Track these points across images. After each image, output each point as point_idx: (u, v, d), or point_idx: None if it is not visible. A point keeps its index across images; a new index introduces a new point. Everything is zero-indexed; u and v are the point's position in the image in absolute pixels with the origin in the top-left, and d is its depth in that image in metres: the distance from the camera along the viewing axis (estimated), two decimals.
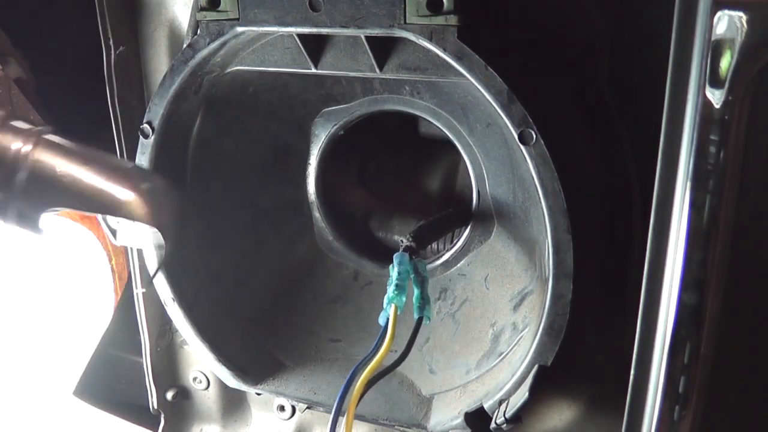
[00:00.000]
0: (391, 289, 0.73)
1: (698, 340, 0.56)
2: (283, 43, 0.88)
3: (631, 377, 0.60)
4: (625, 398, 0.61)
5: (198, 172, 0.99)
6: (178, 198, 0.61)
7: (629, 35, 0.80)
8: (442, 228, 1.02)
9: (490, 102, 0.75)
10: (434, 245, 1.07)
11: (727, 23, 0.50)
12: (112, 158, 0.59)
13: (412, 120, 1.06)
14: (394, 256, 0.84)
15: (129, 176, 0.61)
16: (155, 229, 0.61)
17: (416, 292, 0.80)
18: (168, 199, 0.61)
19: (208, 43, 0.84)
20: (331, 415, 0.67)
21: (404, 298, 0.74)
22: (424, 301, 0.79)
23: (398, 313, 0.73)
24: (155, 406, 1.19)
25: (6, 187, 0.56)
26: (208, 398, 1.20)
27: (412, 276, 0.80)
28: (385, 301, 0.74)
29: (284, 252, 1.12)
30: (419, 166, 1.14)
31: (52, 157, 0.57)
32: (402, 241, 0.89)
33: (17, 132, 0.57)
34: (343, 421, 0.68)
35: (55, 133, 0.58)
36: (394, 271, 0.78)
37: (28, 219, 0.58)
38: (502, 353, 0.91)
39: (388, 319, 0.73)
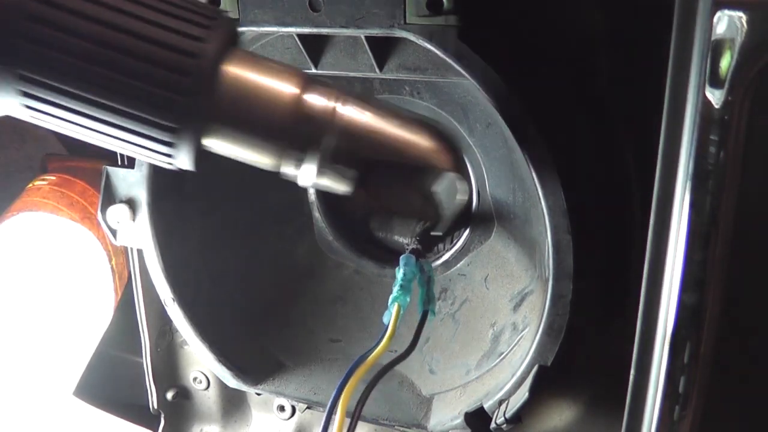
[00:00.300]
0: (395, 289, 0.74)
1: (698, 340, 0.56)
2: (283, 43, 0.88)
3: (631, 377, 0.60)
4: (625, 398, 0.61)
5: (198, 173, 0.99)
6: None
7: (629, 35, 0.80)
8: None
9: (490, 102, 0.75)
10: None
11: (727, 23, 0.50)
12: (408, 112, 0.64)
13: None
14: (401, 258, 0.84)
15: (429, 129, 0.64)
16: (460, 176, 0.65)
17: (421, 290, 0.80)
18: (459, 148, 0.66)
19: None
20: (326, 410, 0.67)
21: (408, 299, 0.75)
22: (429, 298, 0.79)
23: (401, 312, 0.73)
24: (155, 406, 1.19)
25: (317, 145, 0.58)
26: (208, 398, 1.20)
27: (417, 276, 0.80)
28: (390, 300, 0.74)
29: (284, 252, 1.12)
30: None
31: (358, 114, 0.60)
32: (407, 244, 0.88)
33: (322, 92, 0.60)
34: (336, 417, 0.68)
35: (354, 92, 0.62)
36: (399, 273, 0.78)
37: (338, 177, 0.61)
38: (502, 353, 0.91)
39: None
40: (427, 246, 0.90)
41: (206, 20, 0.56)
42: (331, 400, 0.67)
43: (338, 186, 0.62)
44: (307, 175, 0.61)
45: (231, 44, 0.58)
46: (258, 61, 0.59)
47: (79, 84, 0.54)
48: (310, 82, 0.60)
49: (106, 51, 0.53)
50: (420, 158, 0.63)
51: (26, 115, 0.57)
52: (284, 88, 0.59)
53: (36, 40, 0.53)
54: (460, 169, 0.65)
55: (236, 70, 0.58)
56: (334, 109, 0.59)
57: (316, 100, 0.59)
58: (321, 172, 0.60)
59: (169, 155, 0.58)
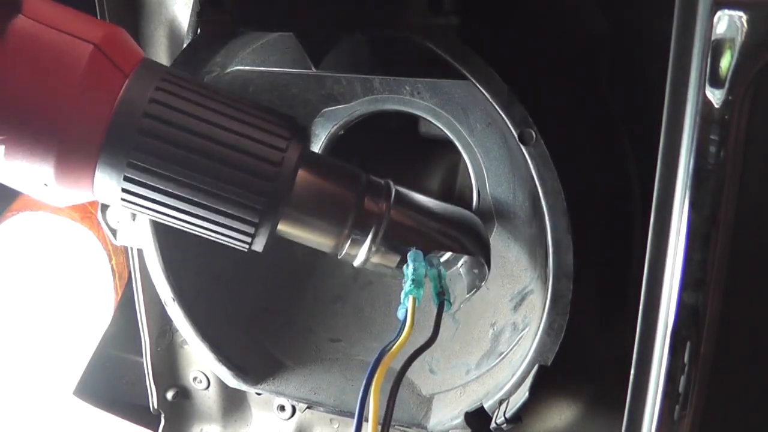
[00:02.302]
0: (407, 285, 0.75)
1: (698, 340, 0.56)
2: (284, 43, 0.88)
3: (631, 377, 0.60)
4: (625, 398, 0.61)
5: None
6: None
7: (629, 35, 0.80)
8: None
9: (490, 102, 0.75)
10: None
11: (727, 23, 0.50)
12: (446, 206, 0.79)
13: (413, 120, 1.06)
14: (408, 254, 0.84)
15: (461, 223, 0.79)
16: (482, 260, 0.79)
17: (433, 283, 0.80)
18: (485, 237, 0.80)
19: (209, 43, 0.84)
20: (359, 397, 0.68)
21: (422, 291, 0.76)
22: (443, 289, 0.79)
23: (416, 305, 0.74)
24: (155, 406, 1.19)
25: (371, 233, 0.72)
26: (208, 398, 1.20)
27: (427, 270, 0.81)
28: (402, 295, 0.75)
29: (284, 251, 1.12)
30: (419, 165, 1.14)
31: (404, 212, 0.74)
32: None
33: (378, 191, 0.73)
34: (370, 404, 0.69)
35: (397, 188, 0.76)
36: (408, 269, 0.79)
37: (386, 258, 0.75)
38: (502, 353, 0.91)
39: (406, 310, 0.74)
40: None
41: (287, 132, 0.67)
42: (361, 391, 0.68)
43: (386, 263, 0.75)
44: (361, 255, 0.73)
45: (305, 150, 0.69)
46: (326, 163, 0.72)
47: (178, 185, 0.64)
48: (369, 183, 0.73)
49: (206, 160, 0.64)
50: (451, 248, 0.78)
51: (119, 201, 0.66)
52: (348, 188, 0.72)
53: (147, 148, 0.62)
54: (486, 255, 0.78)
55: (309, 173, 0.70)
56: (386, 206, 0.72)
57: (373, 197, 0.72)
58: (373, 253, 0.73)
59: (247, 243, 0.69)
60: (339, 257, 0.74)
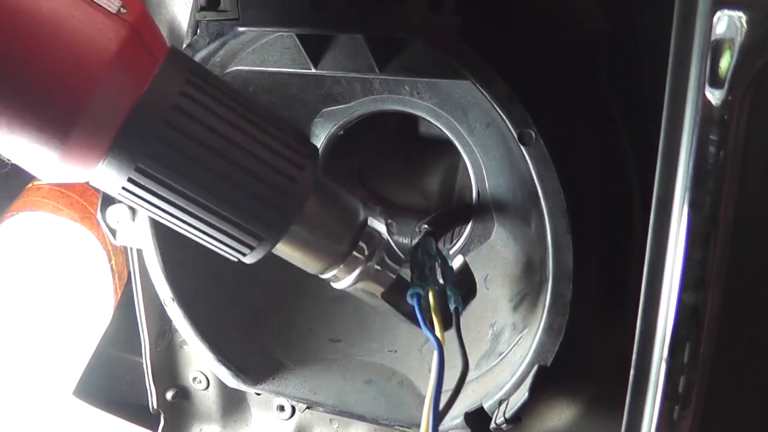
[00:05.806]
0: (436, 275, 0.75)
1: (698, 340, 0.56)
2: (283, 43, 0.88)
3: (631, 377, 0.60)
4: (625, 398, 0.61)
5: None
6: None
7: (629, 35, 0.80)
8: (449, 223, 1.02)
9: (490, 102, 0.75)
10: None
11: (727, 23, 0.50)
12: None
13: (412, 120, 1.06)
14: (419, 241, 0.81)
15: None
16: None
17: (441, 281, 0.78)
18: None
19: (208, 43, 0.84)
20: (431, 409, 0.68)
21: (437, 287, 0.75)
22: (453, 291, 0.77)
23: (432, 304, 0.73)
24: (155, 406, 1.19)
25: (367, 256, 0.71)
26: (207, 398, 1.20)
27: (439, 263, 0.79)
28: (408, 294, 0.74)
29: None
30: (419, 165, 1.14)
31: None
32: (419, 229, 0.87)
33: (381, 215, 0.73)
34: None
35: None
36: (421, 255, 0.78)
37: (374, 285, 0.73)
38: (501, 353, 0.91)
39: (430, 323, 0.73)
40: (438, 233, 0.88)
41: (306, 149, 0.65)
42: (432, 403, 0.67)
43: (373, 291, 0.73)
44: (350, 278, 0.71)
45: (318, 170, 0.68)
46: (333, 188, 0.71)
47: (193, 185, 0.61)
48: (371, 207, 0.72)
49: (227, 164, 0.61)
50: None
51: (119, 190, 0.62)
52: (354, 211, 0.71)
53: (169, 142, 0.59)
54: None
55: (318, 195, 0.68)
56: (386, 229, 0.71)
57: (376, 220, 0.71)
58: (363, 277, 0.71)
59: (243, 255, 0.66)
60: (326, 277, 0.73)
